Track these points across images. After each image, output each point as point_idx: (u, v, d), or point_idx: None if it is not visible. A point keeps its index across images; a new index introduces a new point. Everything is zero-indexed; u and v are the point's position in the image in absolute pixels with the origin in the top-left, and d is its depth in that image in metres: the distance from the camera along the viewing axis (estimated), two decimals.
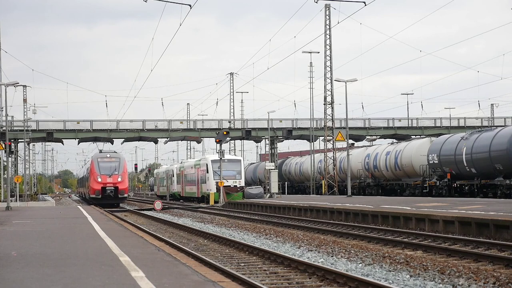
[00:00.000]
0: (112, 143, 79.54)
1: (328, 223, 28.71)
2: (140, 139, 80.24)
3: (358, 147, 73.03)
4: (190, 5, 26.51)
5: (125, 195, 59.81)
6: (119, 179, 58.25)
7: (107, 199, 58.35)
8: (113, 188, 58.11)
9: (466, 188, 44.39)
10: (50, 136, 77.13)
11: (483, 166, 41.12)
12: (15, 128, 73.79)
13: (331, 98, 61.37)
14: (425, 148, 49.65)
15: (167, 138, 78.84)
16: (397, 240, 20.27)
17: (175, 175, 79.08)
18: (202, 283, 9.67)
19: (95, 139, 78.15)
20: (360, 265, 15.37)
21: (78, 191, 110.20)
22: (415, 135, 77.16)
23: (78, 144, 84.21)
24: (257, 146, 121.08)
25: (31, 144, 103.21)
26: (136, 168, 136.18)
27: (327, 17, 60.31)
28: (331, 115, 61.45)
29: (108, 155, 59.85)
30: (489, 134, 41.45)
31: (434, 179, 47.97)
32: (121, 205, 62.89)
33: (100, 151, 62.02)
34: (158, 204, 50.96)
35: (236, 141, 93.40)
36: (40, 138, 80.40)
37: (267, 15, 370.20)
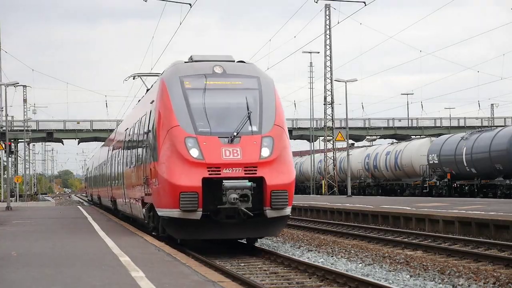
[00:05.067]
0: None
1: (328, 223, 28.70)
2: None
3: (358, 147, 73.06)
4: (190, 4, 26.50)
5: (288, 208, 15.94)
6: (266, 153, 15.73)
7: (226, 227, 15.64)
8: (247, 182, 15.28)
9: (466, 188, 44.40)
10: (50, 136, 77.22)
11: (483, 166, 41.13)
12: (15, 128, 73.85)
13: (331, 98, 61.38)
14: (425, 148, 49.65)
15: None
16: (397, 240, 20.27)
17: None
18: (202, 283, 9.67)
19: (95, 139, 78.10)
20: (360, 265, 15.36)
21: (91, 193, 53.22)
22: (415, 135, 77.22)
23: (78, 144, 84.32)
24: None
25: (31, 144, 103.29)
26: None
27: (327, 17, 60.31)
28: (331, 115, 61.46)
29: (219, 70, 17.02)
30: (489, 134, 41.47)
31: (434, 179, 47.98)
32: None
33: (191, 58, 17.91)
34: None
35: None
36: (40, 138, 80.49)
37: (268, 15, 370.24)
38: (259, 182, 15.40)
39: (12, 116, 78.58)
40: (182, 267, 11.38)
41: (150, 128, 17.24)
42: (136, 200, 20.24)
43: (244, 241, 17.60)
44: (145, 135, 17.93)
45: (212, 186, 15.28)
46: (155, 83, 18.84)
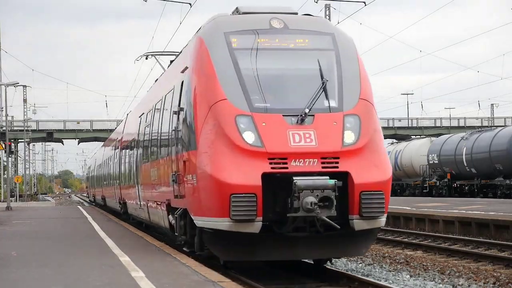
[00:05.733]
0: None
1: None
2: None
3: None
4: (190, 4, 26.46)
5: (383, 217, 11.44)
6: (351, 138, 11.48)
7: (293, 243, 11.39)
8: (329, 180, 10.92)
9: (466, 188, 44.42)
10: (50, 136, 77.28)
11: (483, 166, 41.15)
12: (15, 128, 73.84)
13: None
14: (425, 148, 49.68)
15: None
16: (397, 240, 20.28)
17: None
18: (202, 283, 9.66)
19: (95, 139, 78.13)
20: (360, 265, 15.37)
21: (93, 193, 49.36)
22: (415, 135, 77.22)
23: (78, 144, 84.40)
24: None
25: (31, 144, 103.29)
26: None
27: (327, 17, 60.27)
28: None
29: (278, 24, 12.47)
30: (489, 134, 41.50)
31: (434, 179, 48.01)
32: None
33: (237, 10, 13.29)
34: None
35: None
36: (40, 138, 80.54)
37: None
38: (342, 179, 11.07)
39: (12, 116, 78.67)
40: (182, 267, 11.37)
41: (183, 105, 12.60)
42: (157, 204, 15.66)
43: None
44: (174, 116, 13.15)
45: (276, 185, 11.11)
46: (187, 46, 13.91)
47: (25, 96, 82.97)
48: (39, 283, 9.95)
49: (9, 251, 14.45)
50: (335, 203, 10.77)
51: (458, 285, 12.66)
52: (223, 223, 11.00)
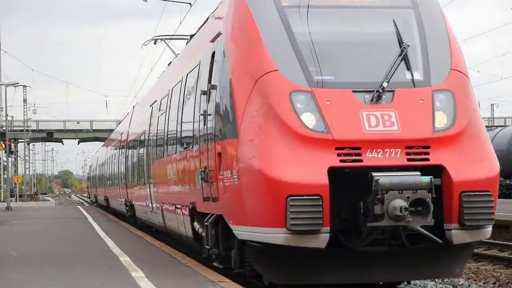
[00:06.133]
0: None
1: None
2: None
3: None
4: (190, 4, 26.47)
5: (489, 227, 8.90)
6: (444, 121, 8.78)
7: (367, 261, 8.72)
8: (422, 177, 8.24)
9: None
10: (50, 136, 77.33)
11: None
12: (15, 128, 73.85)
13: None
14: None
15: None
16: None
17: None
18: (202, 283, 9.65)
19: (95, 139, 78.19)
20: None
21: (95, 194, 46.70)
22: None
23: (78, 144, 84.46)
24: None
25: (31, 144, 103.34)
26: None
27: None
28: None
29: None
30: (489, 134, 41.48)
31: None
32: None
33: None
34: None
35: None
36: (40, 138, 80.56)
37: None
38: (435, 175, 8.43)
39: (12, 116, 78.62)
40: (182, 267, 11.37)
41: (215, 82, 9.84)
42: (176, 207, 13.01)
43: None
44: (202, 97, 10.44)
45: (347, 184, 8.49)
46: (217, 9, 11.06)
47: (25, 96, 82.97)
48: (39, 283, 9.95)
49: (9, 251, 14.45)
50: (432, 208, 8.19)
51: (458, 285, 12.66)
52: (277, 235, 8.32)
